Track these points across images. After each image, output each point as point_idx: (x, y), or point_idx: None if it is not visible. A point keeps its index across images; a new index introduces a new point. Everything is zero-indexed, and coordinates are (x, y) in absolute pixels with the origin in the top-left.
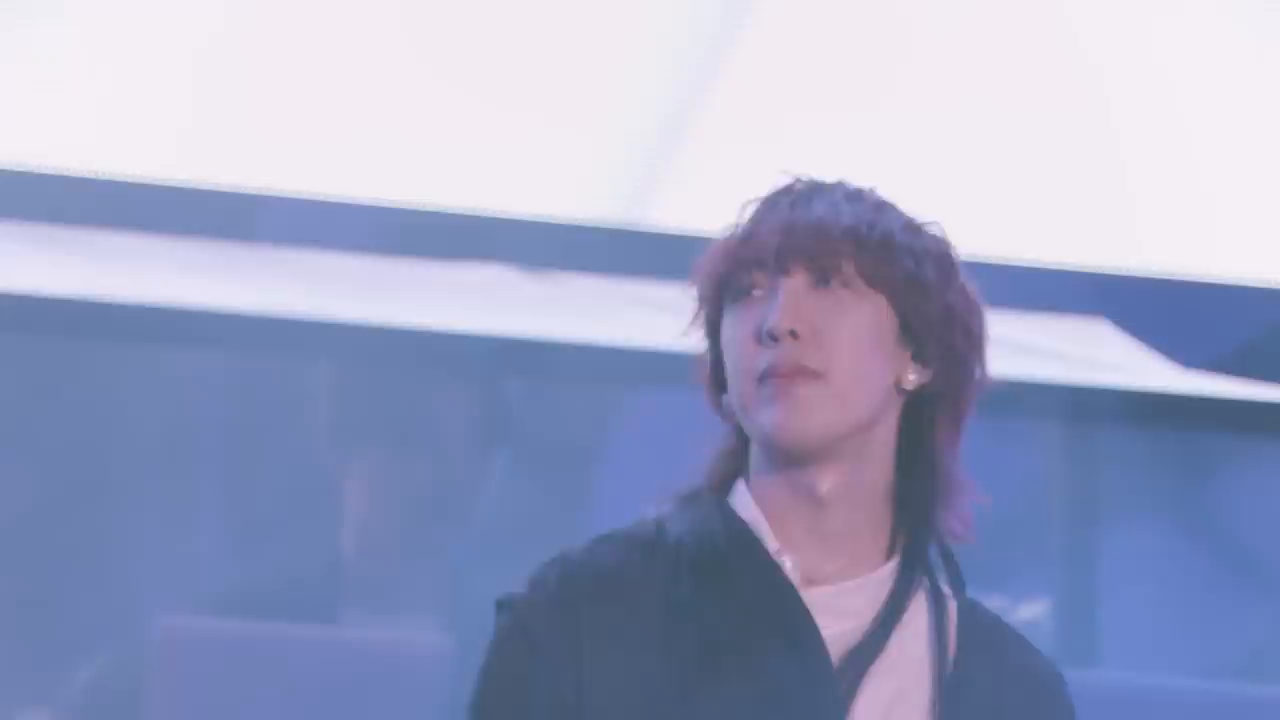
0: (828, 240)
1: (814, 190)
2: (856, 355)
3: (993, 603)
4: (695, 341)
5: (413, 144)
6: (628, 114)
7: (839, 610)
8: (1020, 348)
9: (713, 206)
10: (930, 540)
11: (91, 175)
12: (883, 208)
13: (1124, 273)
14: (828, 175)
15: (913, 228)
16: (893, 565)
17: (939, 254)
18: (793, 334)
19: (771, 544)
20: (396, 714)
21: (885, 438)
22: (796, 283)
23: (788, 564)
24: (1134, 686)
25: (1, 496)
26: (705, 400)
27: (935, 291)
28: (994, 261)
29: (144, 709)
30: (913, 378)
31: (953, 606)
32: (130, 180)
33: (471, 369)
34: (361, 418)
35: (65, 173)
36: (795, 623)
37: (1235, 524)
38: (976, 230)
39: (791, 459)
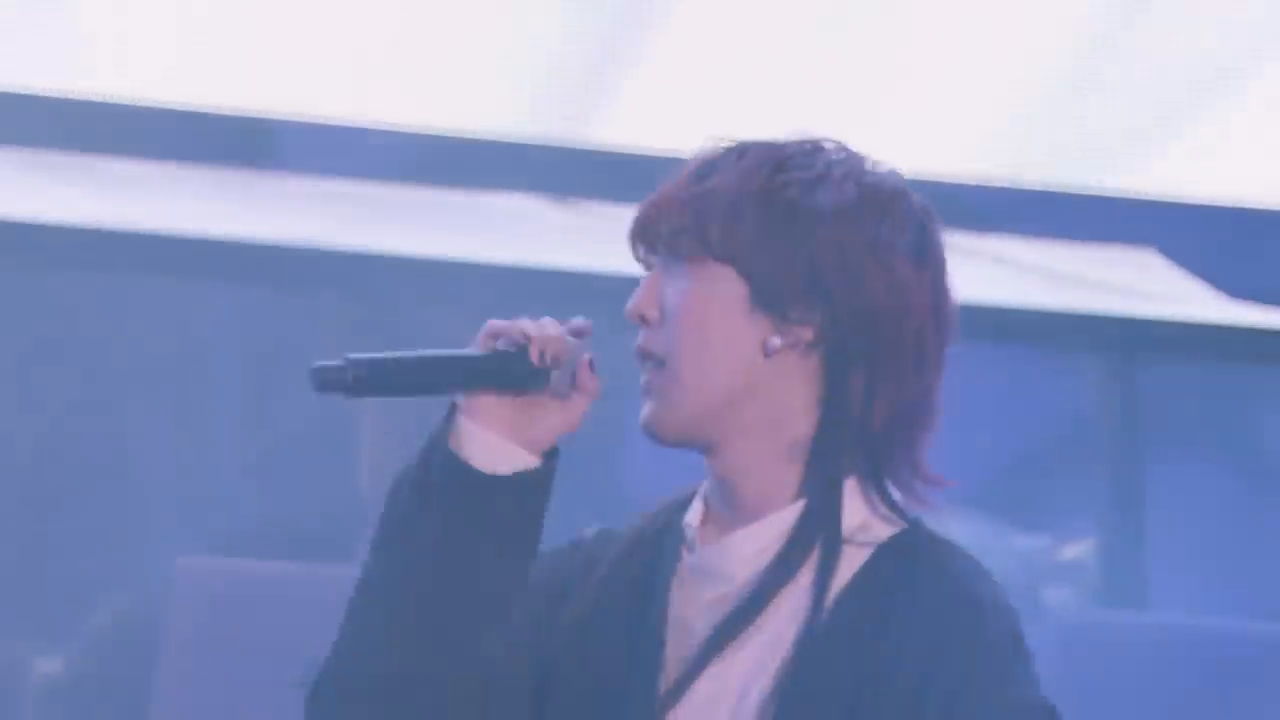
0: (668, 214)
1: (699, 158)
2: (698, 334)
3: (1037, 541)
4: None
5: (426, 67)
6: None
7: (725, 567)
8: (1066, 279)
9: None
10: (841, 486)
11: (107, 99)
12: (748, 166)
13: (1172, 200)
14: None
15: (775, 184)
16: (789, 512)
17: (808, 206)
18: (642, 319)
19: (692, 516)
20: None
21: (781, 401)
22: (661, 261)
23: (689, 531)
24: (1182, 626)
25: (18, 434)
26: None
27: (788, 250)
28: (1035, 188)
29: (161, 647)
30: (777, 341)
31: (860, 552)
32: (142, 105)
33: (490, 299)
34: (379, 350)
35: (74, 96)
36: (650, 597)
37: None
38: (1014, 158)
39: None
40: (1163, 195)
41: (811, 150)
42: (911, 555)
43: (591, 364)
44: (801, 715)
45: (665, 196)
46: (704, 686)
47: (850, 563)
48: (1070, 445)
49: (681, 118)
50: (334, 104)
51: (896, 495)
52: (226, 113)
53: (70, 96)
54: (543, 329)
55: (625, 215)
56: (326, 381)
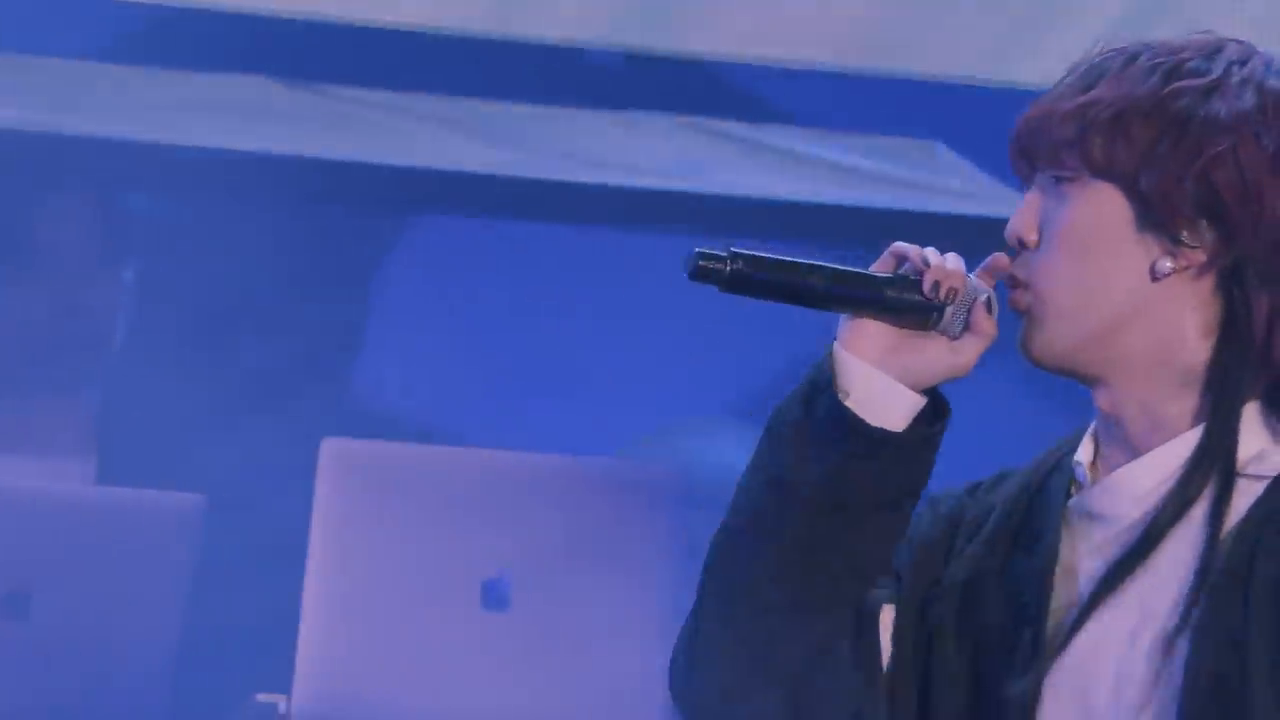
0: (1048, 127)
1: (1085, 64)
2: (1080, 260)
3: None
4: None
5: None
6: None
7: (1113, 507)
8: (840, 170)
9: None
10: (1239, 415)
11: None
12: (1137, 73)
13: (956, 84)
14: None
15: (1166, 92)
16: (1180, 445)
17: (1201, 116)
18: (1020, 243)
19: (1082, 453)
20: (558, 525)
21: (1172, 328)
22: (1042, 179)
23: (1078, 470)
24: None
25: (169, 333)
26: None
27: (1178, 166)
28: (803, 68)
29: (310, 526)
30: (1168, 264)
31: (1256, 485)
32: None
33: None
34: None
35: None
36: (1038, 545)
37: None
38: (789, 37)
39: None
40: (947, 78)
41: (1211, 53)
42: None
43: (991, 305)
44: (1198, 662)
45: (1046, 108)
46: (1090, 633)
47: (1246, 496)
48: None
49: None
50: None
51: None
52: None
53: None
54: (944, 261)
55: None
56: (704, 271)
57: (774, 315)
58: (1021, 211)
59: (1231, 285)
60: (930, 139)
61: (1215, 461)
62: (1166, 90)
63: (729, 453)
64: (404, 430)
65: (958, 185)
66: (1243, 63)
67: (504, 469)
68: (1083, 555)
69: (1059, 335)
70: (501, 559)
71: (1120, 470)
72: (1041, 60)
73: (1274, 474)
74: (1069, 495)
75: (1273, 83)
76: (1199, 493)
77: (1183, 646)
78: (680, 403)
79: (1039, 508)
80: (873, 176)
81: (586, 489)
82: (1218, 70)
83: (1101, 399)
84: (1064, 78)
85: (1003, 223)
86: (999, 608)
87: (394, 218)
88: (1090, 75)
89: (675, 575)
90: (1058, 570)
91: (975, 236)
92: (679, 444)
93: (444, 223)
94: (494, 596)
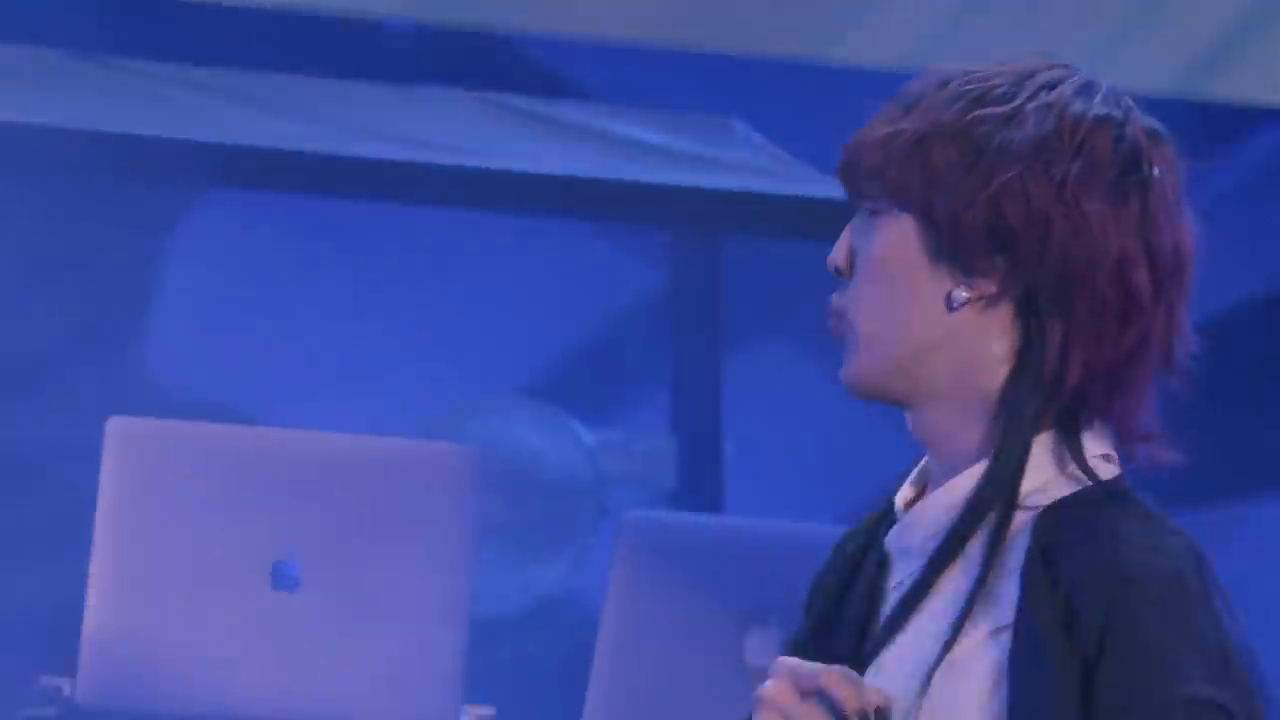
0: (859, 157)
1: (904, 91)
2: (880, 290)
3: (604, 435)
4: None
5: None
6: None
7: (911, 540)
8: (635, 146)
9: None
10: (1028, 446)
11: None
12: (943, 100)
13: (754, 60)
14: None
15: (968, 120)
16: (968, 477)
17: (996, 145)
18: (837, 271)
19: (904, 487)
20: (350, 505)
21: (971, 357)
22: (859, 209)
23: (896, 507)
24: (752, 528)
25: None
26: None
27: (968, 195)
28: (597, 43)
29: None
30: (962, 294)
31: (1028, 516)
32: None
33: None
34: None
35: None
36: (867, 591)
37: None
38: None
39: None
40: (745, 54)
41: (1021, 79)
42: (1071, 519)
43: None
44: (945, 702)
45: (859, 137)
46: (877, 672)
47: (1025, 529)
48: (643, 330)
49: None
50: None
51: (1103, 450)
52: None
53: None
54: (839, 679)
55: None
56: None
57: (565, 299)
58: (840, 241)
59: (1026, 314)
60: (727, 115)
61: (999, 494)
62: (967, 119)
63: (522, 433)
64: (193, 409)
65: (754, 161)
66: (1051, 87)
67: (295, 449)
68: (889, 592)
69: (866, 364)
70: (292, 539)
71: (918, 504)
72: (841, 37)
73: (1047, 504)
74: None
75: (1077, 108)
76: (976, 527)
77: (939, 685)
78: (474, 383)
79: (874, 545)
80: (668, 152)
81: (378, 469)
82: (1021, 97)
83: (912, 425)
84: (885, 105)
85: (801, 200)
86: (833, 652)
87: (183, 192)
88: (903, 103)
89: (467, 555)
90: (876, 617)
91: (772, 213)
92: (472, 424)
93: (234, 197)
94: (284, 577)
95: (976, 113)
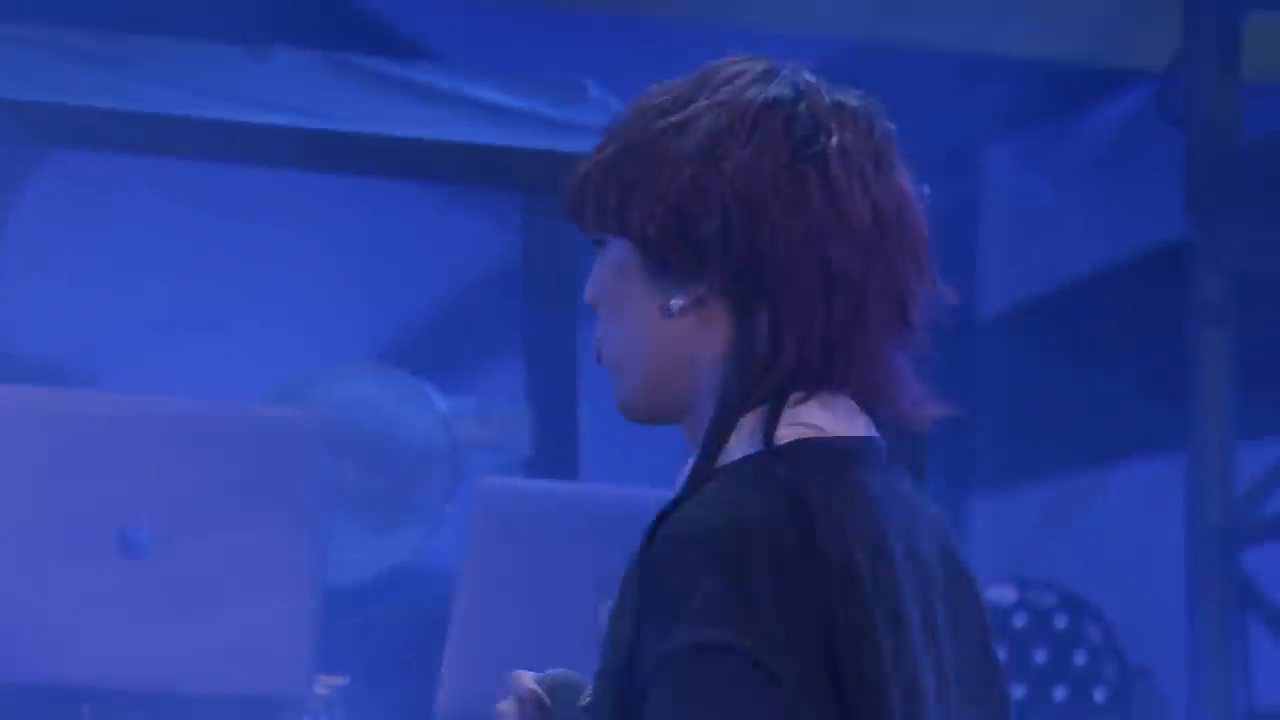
0: (572, 196)
1: (608, 126)
2: (612, 316)
3: (459, 402)
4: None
5: None
6: None
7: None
8: (490, 109)
9: None
10: (730, 426)
11: None
12: (628, 120)
13: (607, 18)
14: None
15: (647, 135)
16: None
17: (672, 152)
18: (594, 308)
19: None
20: (197, 471)
21: (704, 359)
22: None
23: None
24: (609, 498)
25: None
26: None
27: (654, 205)
28: (452, 4)
29: None
30: (677, 302)
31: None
32: None
33: None
34: None
35: None
36: None
37: None
38: None
39: None
40: (599, 12)
41: (700, 83)
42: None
43: None
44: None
45: (572, 174)
46: None
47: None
48: (496, 295)
49: None
50: None
51: (824, 418)
52: None
53: None
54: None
55: None
56: None
57: (417, 263)
58: (590, 278)
59: (737, 307)
60: (581, 77)
61: (703, 473)
62: (649, 133)
63: (375, 398)
64: (35, 374)
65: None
66: (729, 82)
67: (141, 414)
68: None
69: (623, 394)
70: (139, 506)
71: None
72: None
73: None
74: None
75: (748, 96)
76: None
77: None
78: (326, 348)
79: None
80: (522, 115)
81: (226, 435)
82: (701, 99)
83: (685, 436)
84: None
85: None
86: None
87: (20, 154)
88: (606, 135)
89: (318, 523)
90: None
91: None
92: (323, 389)
93: (74, 158)
94: (132, 544)
95: (657, 124)
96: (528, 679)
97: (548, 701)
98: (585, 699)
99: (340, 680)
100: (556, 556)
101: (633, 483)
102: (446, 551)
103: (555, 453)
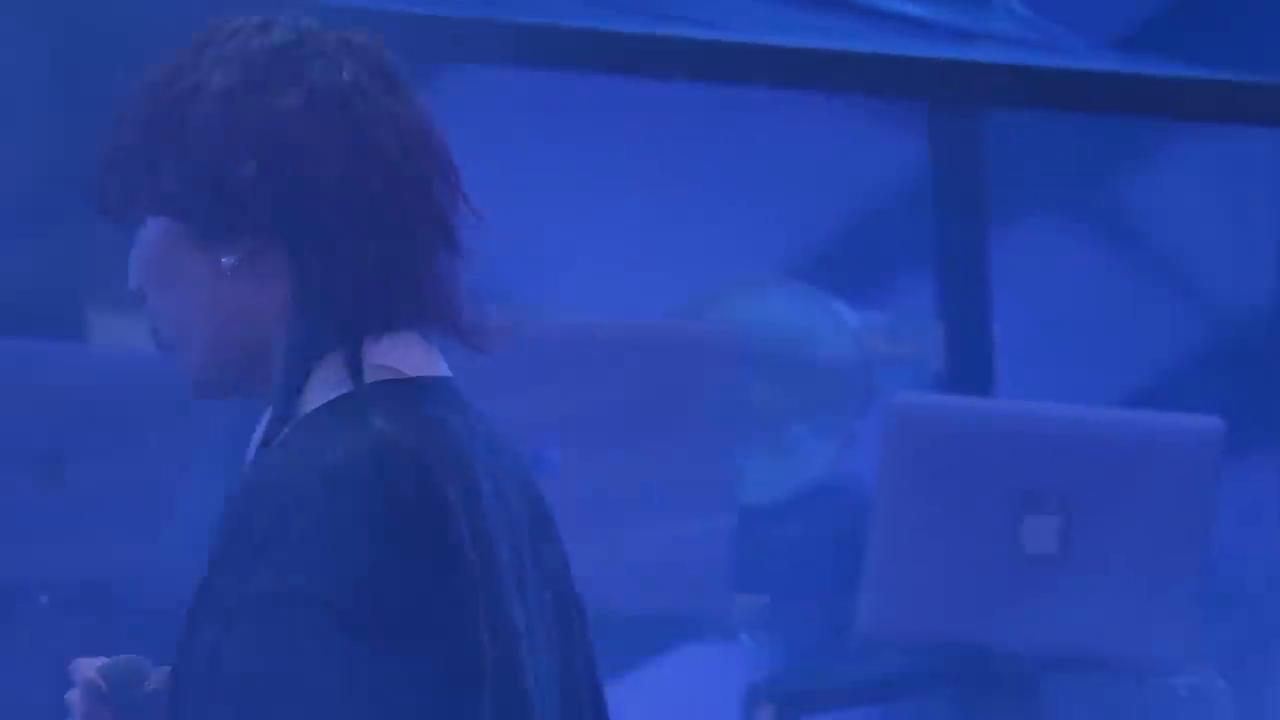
0: (96, 190)
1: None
2: (162, 295)
3: (870, 318)
4: None
5: None
6: None
7: None
8: (896, 19)
9: None
10: (304, 377)
11: None
12: (138, 99)
13: None
14: None
15: (161, 107)
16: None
17: (190, 116)
18: (139, 294)
19: None
20: None
21: (263, 313)
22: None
23: None
24: (1027, 415)
25: None
26: None
27: (183, 167)
28: None
29: None
30: (229, 261)
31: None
32: None
33: None
34: None
35: None
36: None
37: (1151, 223)
38: None
39: None
40: None
41: (203, 44)
42: (299, 427)
43: None
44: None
45: (95, 170)
46: None
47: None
48: (907, 208)
49: None
50: None
51: (401, 355)
52: None
53: None
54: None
55: None
56: None
57: (823, 176)
58: (130, 263)
59: (290, 256)
60: None
61: (281, 424)
62: (160, 106)
63: (777, 313)
64: None
65: (1015, 32)
66: (231, 38)
67: (552, 334)
68: None
69: (194, 371)
70: (551, 425)
71: None
72: None
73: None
74: None
75: (253, 47)
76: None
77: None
78: (734, 261)
79: None
80: (929, 24)
81: (638, 352)
82: (205, 61)
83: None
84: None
85: (1065, 71)
86: None
87: (411, 70)
88: (117, 120)
89: (733, 441)
90: None
91: (1034, 86)
92: (728, 306)
93: (473, 73)
94: (543, 464)
95: (169, 94)
96: (85, 666)
97: (105, 688)
98: (151, 685)
99: (761, 599)
100: (973, 473)
101: (1049, 398)
102: (860, 469)
103: (969, 368)
